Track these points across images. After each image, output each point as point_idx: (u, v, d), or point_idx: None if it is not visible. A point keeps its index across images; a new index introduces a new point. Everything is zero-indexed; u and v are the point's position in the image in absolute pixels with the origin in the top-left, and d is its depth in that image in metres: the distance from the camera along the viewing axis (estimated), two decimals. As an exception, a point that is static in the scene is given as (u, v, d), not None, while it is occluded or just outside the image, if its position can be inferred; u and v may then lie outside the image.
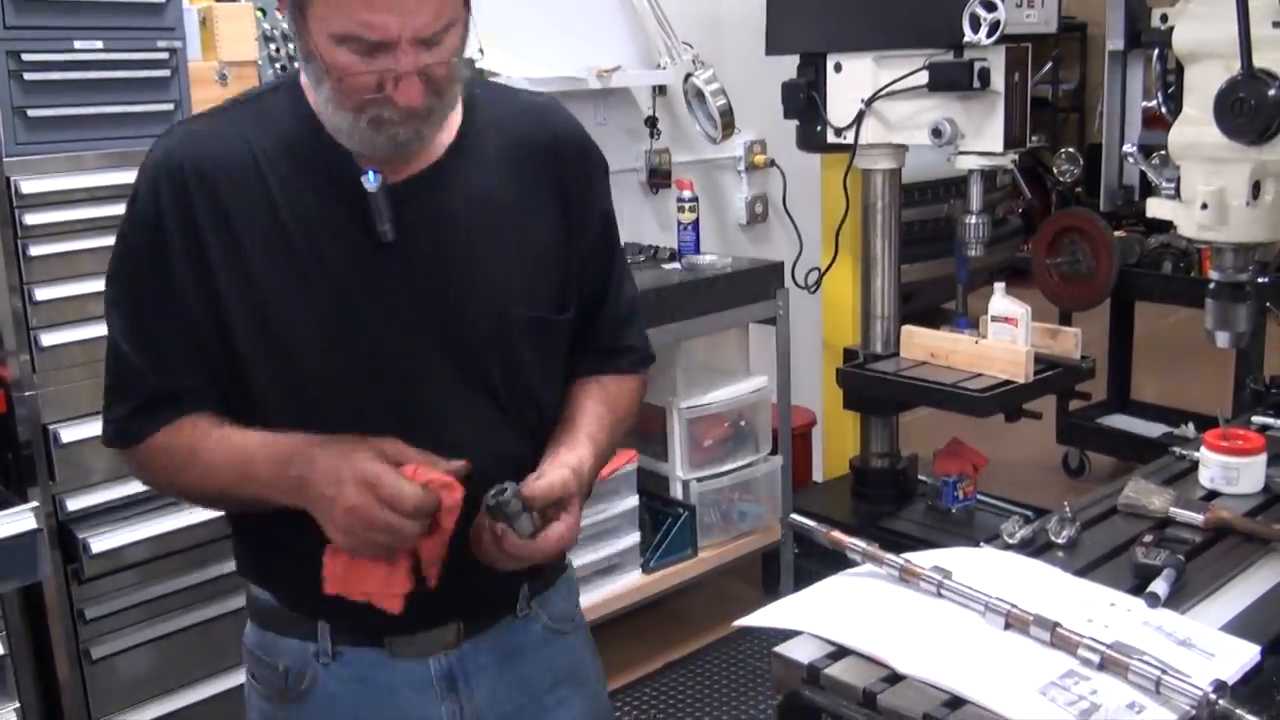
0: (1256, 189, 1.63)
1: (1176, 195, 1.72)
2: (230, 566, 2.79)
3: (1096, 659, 1.27)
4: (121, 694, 2.77)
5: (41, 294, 2.54)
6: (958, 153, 3.10)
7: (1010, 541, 1.64)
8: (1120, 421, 5.06)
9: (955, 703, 1.19)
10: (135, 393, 1.48)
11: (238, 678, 2.84)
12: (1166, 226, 1.84)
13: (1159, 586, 1.43)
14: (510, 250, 1.54)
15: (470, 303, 1.51)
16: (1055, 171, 4.44)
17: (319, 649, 1.54)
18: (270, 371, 1.46)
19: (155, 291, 1.46)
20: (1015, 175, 3.25)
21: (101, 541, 2.63)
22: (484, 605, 1.58)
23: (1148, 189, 1.91)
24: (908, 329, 3.48)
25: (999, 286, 3.30)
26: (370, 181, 1.43)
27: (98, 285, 2.55)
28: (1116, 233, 4.44)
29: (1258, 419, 2.03)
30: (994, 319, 3.27)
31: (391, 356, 1.47)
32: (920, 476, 3.78)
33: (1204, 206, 1.66)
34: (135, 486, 2.70)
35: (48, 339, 2.55)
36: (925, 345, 3.40)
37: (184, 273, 1.44)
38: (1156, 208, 1.76)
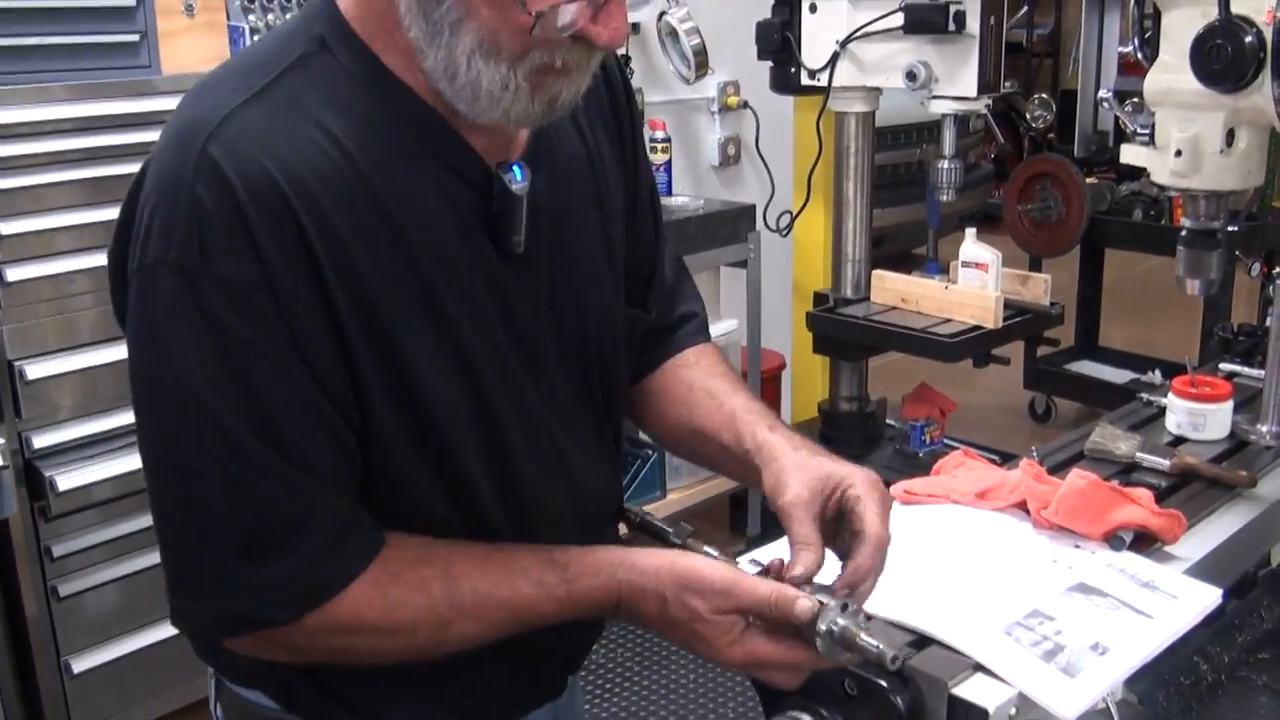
0: (1230, 136, 1.63)
1: (1151, 142, 1.72)
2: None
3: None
4: (90, 631, 2.77)
5: (6, 229, 2.51)
6: (931, 97, 3.09)
7: (1156, 180, 1.65)
8: (1087, 368, 5.09)
9: (921, 642, 1.20)
10: (309, 528, 1.06)
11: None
12: (1138, 174, 1.84)
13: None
14: (601, 234, 1.28)
15: (586, 313, 1.26)
16: (1028, 117, 4.44)
17: None
18: (408, 442, 1.12)
19: (290, 381, 1.04)
20: (988, 120, 3.24)
21: (68, 479, 2.62)
22: (561, 678, 1.39)
23: (1121, 135, 1.90)
24: (878, 273, 3.49)
25: (970, 232, 3.30)
26: (518, 180, 1.12)
27: (64, 219, 2.57)
28: (1088, 180, 4.44)
29: (1225, 366, 2.05)
30: (964, 264, 3.28)
31: (525, 396, 1.19)
32: (888, 420, 3.79)
33: (1178, 153, 1.66)
34: (102, 424, 2.69)
35: (12, 274, 2.52)
36: (895, 290, 3.41)
37: (317, 345, 1.04)
38: (1130, 154, 1.76)
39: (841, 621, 1.06)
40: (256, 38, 2.89)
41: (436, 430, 1.13)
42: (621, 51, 3.96)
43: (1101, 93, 1.97)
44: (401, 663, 1.15)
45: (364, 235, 1.05)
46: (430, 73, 1.07)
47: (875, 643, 1.05)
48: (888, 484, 1.39)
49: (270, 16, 2.93)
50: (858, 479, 1.18)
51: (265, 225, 1.00)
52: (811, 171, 3.64)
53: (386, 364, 1.08)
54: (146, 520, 2.76)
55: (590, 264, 1.26)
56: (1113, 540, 1.43)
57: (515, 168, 1.13)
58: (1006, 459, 1.72)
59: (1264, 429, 1.77)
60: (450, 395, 1.13)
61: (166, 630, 2.83)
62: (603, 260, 1.28)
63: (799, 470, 1.19)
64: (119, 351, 2.66)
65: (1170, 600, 1.31)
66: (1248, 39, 1.52)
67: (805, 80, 3.35)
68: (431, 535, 1.15)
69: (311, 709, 1.22)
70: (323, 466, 1.07)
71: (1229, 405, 1.79)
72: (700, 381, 1.39)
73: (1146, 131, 1.73)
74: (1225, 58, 1.54)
